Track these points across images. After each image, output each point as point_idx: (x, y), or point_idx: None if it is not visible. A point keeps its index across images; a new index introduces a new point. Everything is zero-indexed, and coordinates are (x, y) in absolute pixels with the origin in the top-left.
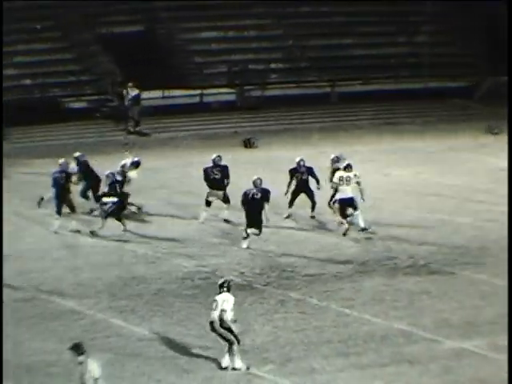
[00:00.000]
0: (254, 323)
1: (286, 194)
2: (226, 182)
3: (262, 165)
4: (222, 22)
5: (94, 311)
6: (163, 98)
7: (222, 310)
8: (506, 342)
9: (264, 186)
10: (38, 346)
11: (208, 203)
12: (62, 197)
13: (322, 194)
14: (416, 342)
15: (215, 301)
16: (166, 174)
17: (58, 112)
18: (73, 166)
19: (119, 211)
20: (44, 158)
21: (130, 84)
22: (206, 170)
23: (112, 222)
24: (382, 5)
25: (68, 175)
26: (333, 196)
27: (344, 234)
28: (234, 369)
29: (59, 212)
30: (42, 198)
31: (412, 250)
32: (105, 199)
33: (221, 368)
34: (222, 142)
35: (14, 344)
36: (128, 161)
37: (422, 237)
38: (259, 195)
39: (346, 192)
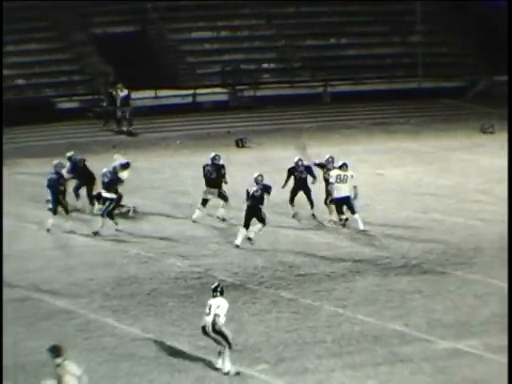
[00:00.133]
0: (247, 323)
1: (283, 187)
2: (222, 180)
3: (254, 164)
4: (215, 22)
5: (88, 311)
6: (156, 98)
7: (216, 315)
8: (499, 342)
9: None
10: (31, 346)
11: (204, 202)
12: (57, 198)
13: (316, 193)
14: (409, 341)
15: (209, 305)
16: (158, 174)
17: (50, 112)
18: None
19: (113, 210)
20: (37, 158)
21: (119, 85)
22: (204, 168)
23: (106, 221)
24: (375, 5)
25: (61, 176)
26: (327, 195)
27: (343, 226)
28: (224, 373)
29: (55, 212)
30: (48, 200)
31: (405, 249)
32: (104, 194)
33: (215, 368)
34: (214, 142)
35: (8, 344)
36: (117, 163)
37: (415, 236)
38: (259, 192)
39: (343, 190)
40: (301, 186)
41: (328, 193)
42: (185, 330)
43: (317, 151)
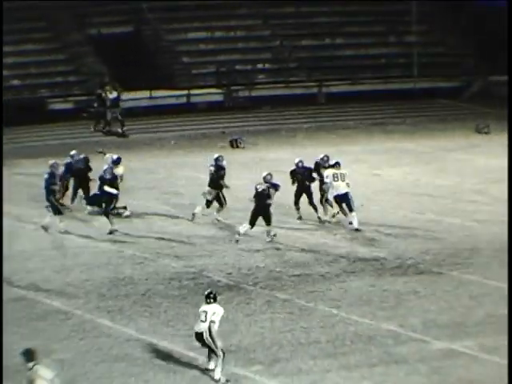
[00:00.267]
0: (241, 323)
1: (292, 184)
2: (220, 182)
3: (249, 165)
4: (210, 23)
5: (82, 311)
6: (151, 98)
7: (211, 322)
8: (494, 343)
9: (250, 186)
10: (25, 346)
11: (207, 203)
12: (47, 198)
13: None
14: (404, 342)
15: (205, 312)
16: (153, 175)
17: (45, 113)
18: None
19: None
20: (33, 159)
21: (107, 87)
22: (209, 168)
23: (101, 222)
24: (370, 5)
25: (53, 176)
26: (322, 195)
27: (333, 216)
28: (215, 380)
29: (55, 211)
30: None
31: (401, 250)
32: (108, 189)
33: (207, 369)
34: (209, 143)
35: (5, 344)
36: (109, 161)
37: (411, 237)
38: (266, 190)
39: (341, 188)
40: (303, 188)
41: (323, 192)
42: (180, 330)
43: (313, 151)
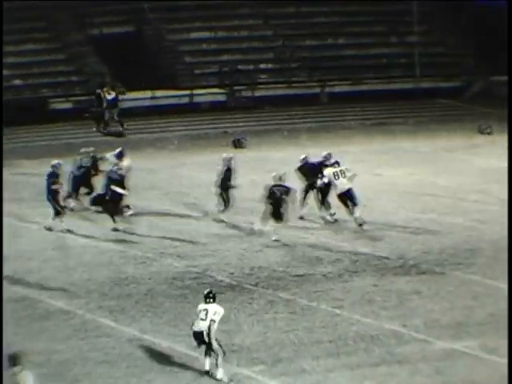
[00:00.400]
0: (244, 323)
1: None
2: (226, 183)
3: (251, 165)
4: (212, 23)
5: (85, 311)
6: (153, 98)
7: (212, 321)
8: (496, 343)
9: (253, 186)
10: (28, 347)
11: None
12: (47, 197)
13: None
14: (407, 342)
15: (205, 310)
16: (156, 175)
17: (45, 113)
18: (87, 160)
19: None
20: (34, 159)
21: (105, 88)
22: (217, 168)
23: (104, 222)
24: (372, 5)
25: (54, 176)
26: (323, 194)
27: (331, 215)
28: (217, 380)
29: (54, 212)
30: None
31: (403, 250)
32: (117, 189)
33: (205, 371)
34: (211, 143)
35: (6, 344)
36: (112, 159)
37: (412, 237)
38: (280, 193)
39: (343, 185)
40: (310, 186)
41: (321, 190)
42: (182, 330)
43: (315, 151)
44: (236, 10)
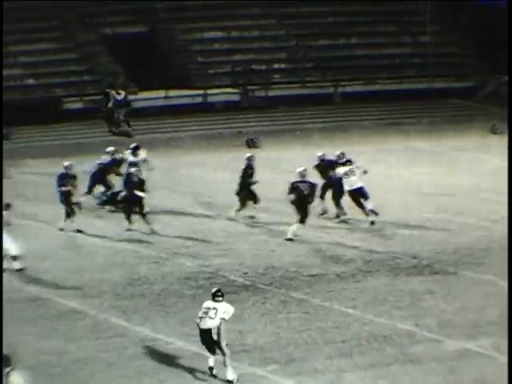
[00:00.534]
0: (257, 323)
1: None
2: (245, 181)
3: (264, 164)
4: (225, 22)
5: (98, 311)
6: (166, 98)
7: (222, 319)
8: (509, 343)
9: (267, 186)
10: (40, 346)
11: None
12: (65, 199)
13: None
14: (420, 342)
15: (215, 309)
16: (169, 174)
17: (57, 112)
18: (105, 158)
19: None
20: (47, 158)
21: (116, 89)
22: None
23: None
24: (386, 5)
25: (65, 177)
26: (334, 192)
27: (337, 216)
28: (228, 381)
29: (66, 213)
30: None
31: (416, 249)
32: (137, 192)
33: (210, 368)
34: (225, 142)
35: (16, 344)
36: (130, 158)
37: (426, 237)
38: (306, 189)
39: (354, 182)
40: (329, 182)
41: (336, 190)
42: (195, 329)
43: (329, 152)
44: (249, 9)
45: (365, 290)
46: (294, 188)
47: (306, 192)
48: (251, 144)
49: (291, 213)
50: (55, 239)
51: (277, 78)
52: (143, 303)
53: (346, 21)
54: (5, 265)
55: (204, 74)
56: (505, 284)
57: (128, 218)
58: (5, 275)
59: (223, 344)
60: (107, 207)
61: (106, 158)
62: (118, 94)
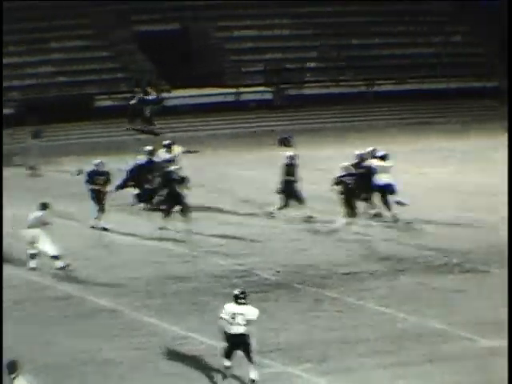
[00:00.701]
0: (290, 322)
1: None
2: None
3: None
4: (257, 21)
5: (130, 310)
6: (199, 96)
7: (252, 322)
8: None
9: (300, 184)
10: (72, 345)
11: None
12: (96, 196)
13: None
14: (451, 340)
15: (241, 314)
16: (202, 173)
17: (91, 110)
18: (141, 157)
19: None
20: (78, 156)
21: (149, 88)
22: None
23: (150, 220)
24: (418, 4)
25: (97, 174)
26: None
27: (375, 215)
28: (252, 381)
29: (98, 211)
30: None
31: (447, 248)
32: (179, 190)
33: (226, 367)
34: (258, 141)
35: (48, 343)
36: (162, 154)
37: (456, 235)
38: (352, 182)
39: (383, 178)
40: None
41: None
42: None
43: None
44: (282, 8)
45: (397, 288)
46: (339, 182)
47: (351, 186)
48: (284, 143)
49: (324, 211)
50: (87, 237)
51: (308, 76)
52: (176, 302)
53: (378, 20)
54: (37, 264)
55: (237, 72)
56: None
57: (166, 217)
58: (37, 273)
59: (253, 347)
60: (140, 205)
61: (142, 159)
62: (151, 93)
